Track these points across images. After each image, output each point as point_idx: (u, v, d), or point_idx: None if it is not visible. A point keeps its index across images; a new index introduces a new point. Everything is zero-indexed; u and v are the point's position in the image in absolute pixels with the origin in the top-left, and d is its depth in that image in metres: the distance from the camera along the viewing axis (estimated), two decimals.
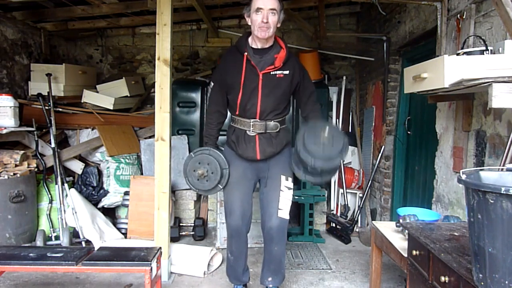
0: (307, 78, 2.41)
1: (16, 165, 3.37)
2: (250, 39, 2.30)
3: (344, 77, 4.70)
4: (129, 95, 4.55)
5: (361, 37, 4.74)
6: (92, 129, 4.14)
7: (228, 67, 2.31)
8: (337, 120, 4.51)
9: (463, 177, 1.18)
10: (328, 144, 2.08)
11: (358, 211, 4.07)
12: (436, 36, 2.73)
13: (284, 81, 2.27)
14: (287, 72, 2.26)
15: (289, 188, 2.39)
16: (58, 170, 3.55)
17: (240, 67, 2.24)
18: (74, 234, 3.41)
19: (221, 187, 2.39)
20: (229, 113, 2.47)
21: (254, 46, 2.28)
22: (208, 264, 3.03)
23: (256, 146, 2.31)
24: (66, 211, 3.43)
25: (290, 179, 2.41)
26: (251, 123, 2.29)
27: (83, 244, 3.32)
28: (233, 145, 2.38)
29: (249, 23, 2.23)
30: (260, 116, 2.28)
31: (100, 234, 3.35)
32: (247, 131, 2.31)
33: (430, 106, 2.90)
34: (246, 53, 2.23)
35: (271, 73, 2.24)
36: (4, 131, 3.31)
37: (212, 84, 2.42)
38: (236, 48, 2.33)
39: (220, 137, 2.51)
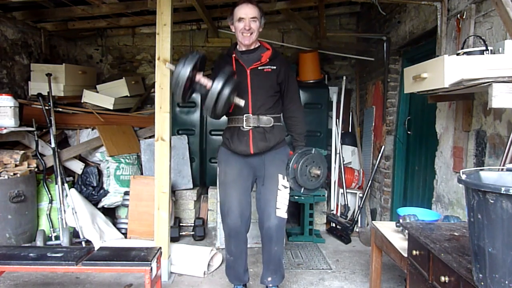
0: (292, 79, 2.51)
1: (16, 165, 3.37)
2: (237, 45, 2.49)
3: (344, 77, 4.70)
4: (129, 95, 4.55)
5: (361, 37, 4.74)
6: (92, 129, 4.14)
7: (221, 69, 2.43)
8: (337, 120, 4.51)
9: (463, 177, 1.18)
10: (317, 177, 2.37)
11: (358, 211, 4.07)
12: (436, 36, 2.73)
13: (271, 75, 2.40)
14: (274, 67, 2.40)
15: (286, 187, 2.41)
16: (58, 170, 3.55)
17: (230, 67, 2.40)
18: (74, 234, 3.41)
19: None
20: (225, 117, 2.51)
21: (240, 49, 2.47)
22: (208, 264, 3.03)
23: (250, 140, 2.37)
24: (66, 211, 3.43)
25: (286, 178, 2.42)
26: (244, 118, 2.37)
27: (83, 244, 3.32)
28: (227, 141, 2.45)
29: (233, 30, 2.43)
30: (252, 111, 2.37)
31: (100, 234, 3.35)
32: (241, 127, 2.38)
33: (430, 106, 2.90)
34: (234, 55, 2.43)
35: (258, 68, 2.39)
36: (4, 131, 3.31)
37: None
38: (226, 53, 2.54)
39: (219, 138, 2.53)
